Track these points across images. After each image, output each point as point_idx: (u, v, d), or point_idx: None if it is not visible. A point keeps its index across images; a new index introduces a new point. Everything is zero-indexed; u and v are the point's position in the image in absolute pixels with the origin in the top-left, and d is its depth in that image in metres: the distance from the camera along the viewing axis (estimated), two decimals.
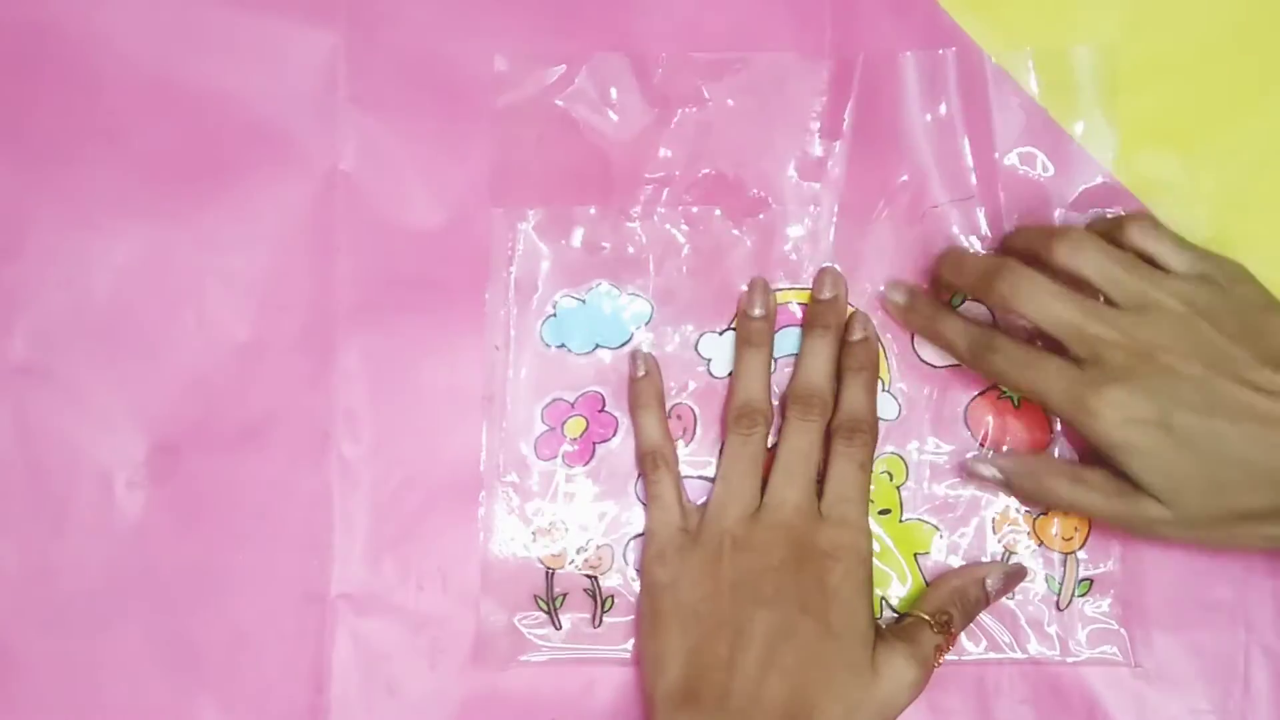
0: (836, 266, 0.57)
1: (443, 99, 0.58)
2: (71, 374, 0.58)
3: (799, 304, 0.57)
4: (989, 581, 0.54)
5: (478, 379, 0.57)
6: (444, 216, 0.58)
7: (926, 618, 0.53)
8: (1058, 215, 0.57)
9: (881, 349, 0.57)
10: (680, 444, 0.57)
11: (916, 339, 0.57)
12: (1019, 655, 0.56)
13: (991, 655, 0.56)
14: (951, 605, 0.53)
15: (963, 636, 0.56)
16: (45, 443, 0.57)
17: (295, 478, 0.57)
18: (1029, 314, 0.51)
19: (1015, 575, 0.55)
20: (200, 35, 0.59)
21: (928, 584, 0.56)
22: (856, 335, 0.56)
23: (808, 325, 0.56)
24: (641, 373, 0.56)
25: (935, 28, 0.58)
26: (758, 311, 0.56)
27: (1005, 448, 0.56)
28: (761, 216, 0.57)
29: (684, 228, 0.58)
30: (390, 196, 0.58)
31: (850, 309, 0.57)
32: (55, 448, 0.57)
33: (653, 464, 0.56)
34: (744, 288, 0.57)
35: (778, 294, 0.57)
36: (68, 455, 0.57)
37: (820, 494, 0.54)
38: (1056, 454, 0.56)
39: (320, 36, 0.59)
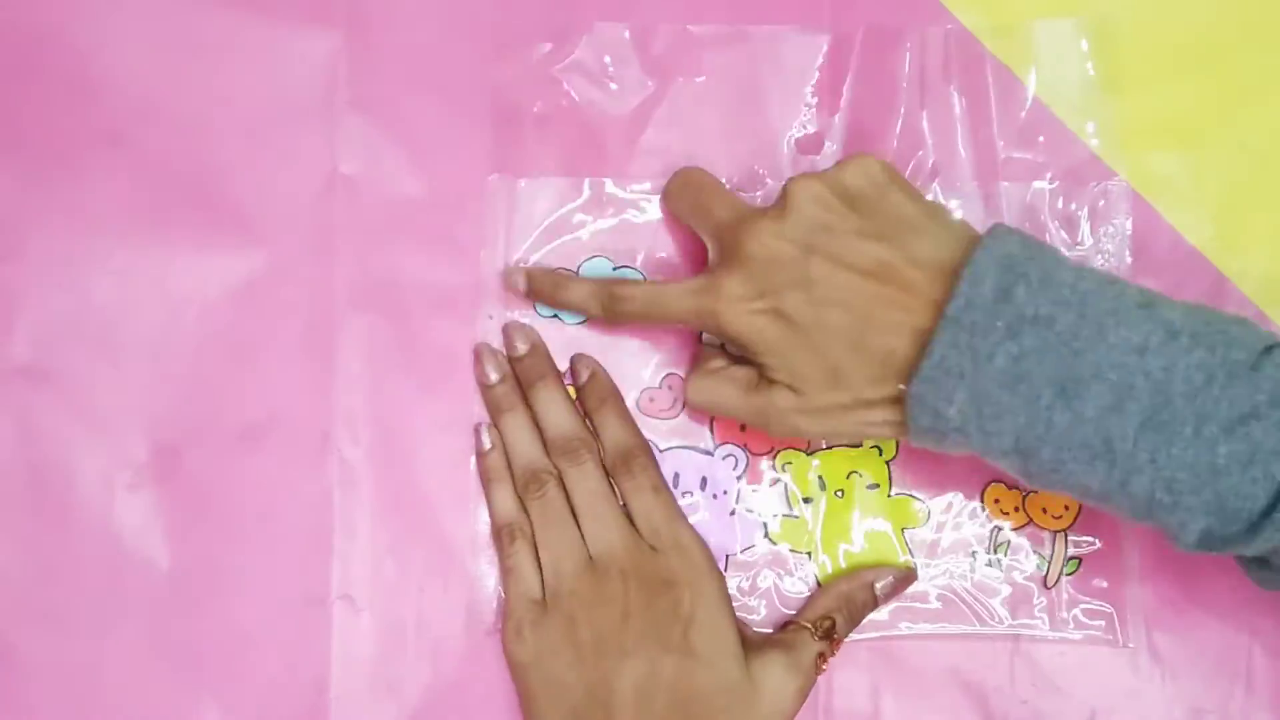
0: (519, 319, 0.57)
1: (443, 101, 0.59)
2: (72, 375, 0.58)
3: None
4: (878, 585, 0.54)
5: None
6: (444, 218, 0.58)
7: (808, 625, 0.53)
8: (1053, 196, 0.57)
9: None
10: (667, 420, 0.57)
11: None
12: (1001, 629, 0.55)
13: (976, 628, 0.55)
14: (836, 611, 0.53)
15: (944, 608, 0.55)
16: (46, 444, 0.57)
17: (295, 479, 0.57)
18: (683, 212, 0.54)
19: (905, 579, 0.55)
20: (200, 37, 0.59)
21: (917, 561, 0.55)
22: (583, 378, 0.56)
23: (525, 384, 0.56)
24: (488, 446, 0.56)
25: (932, 13, 0.58)
26: (493, 378, 0.56)
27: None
28: (759, 192, 0.57)
29: None
30: (390, 198, 0.58)
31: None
32: (56, 449, 0.57)
33: (509, 537, 0.55)
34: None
35: None
36: (69, 456, 0.57)
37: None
38: None
39: (320, 38, 0.59)
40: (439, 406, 0.57)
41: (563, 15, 0.58)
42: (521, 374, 0.56)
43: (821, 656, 0.52)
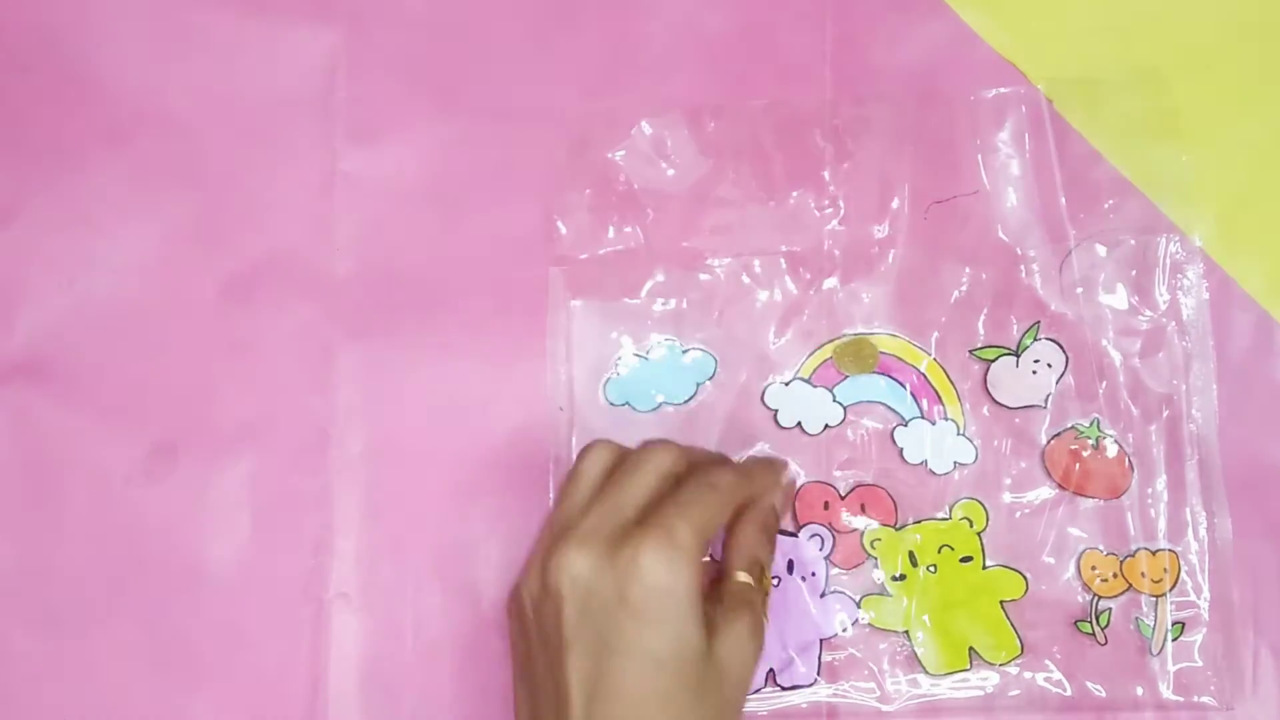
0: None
1: (442, 99, 0.59)
2: (71, 373, 0.58)
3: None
4: (777, 504, 0.52)
5: (474, 378, 0.57)
6: (442, 216, 0.58)
7: (746, 580, 0.49)
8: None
9: (955, 391, 0.56)
10: None
11: (989, 378, 0.55)
12: (1106, 698, 0.54)
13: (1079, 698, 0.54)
14: (759, 549, 0.50)
15: (1050, 687, 0.54)
16: (44, 441, 0.57)
17: (294, 477, 0.57)
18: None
19: (787, 478, 0.54)
20: (201, 35, 0.60)
21: (1019, 633, 0.54)
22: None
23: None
24: None
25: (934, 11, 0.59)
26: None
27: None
28: (825, 264, 0.57)
29: (745, 279, 0.57)
30: (389, 197, 0.58)
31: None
32: (54, 446, 0.57)
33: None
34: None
35: (849, 340, 0.56)
36: (67, 454, 0.57)
37: None
38: (1136, 495, 0.55)
39: (320, 36, 0.60)
40: (437, 404, 0.57)
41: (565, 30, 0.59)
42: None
43: (765, 600, 0.50)
